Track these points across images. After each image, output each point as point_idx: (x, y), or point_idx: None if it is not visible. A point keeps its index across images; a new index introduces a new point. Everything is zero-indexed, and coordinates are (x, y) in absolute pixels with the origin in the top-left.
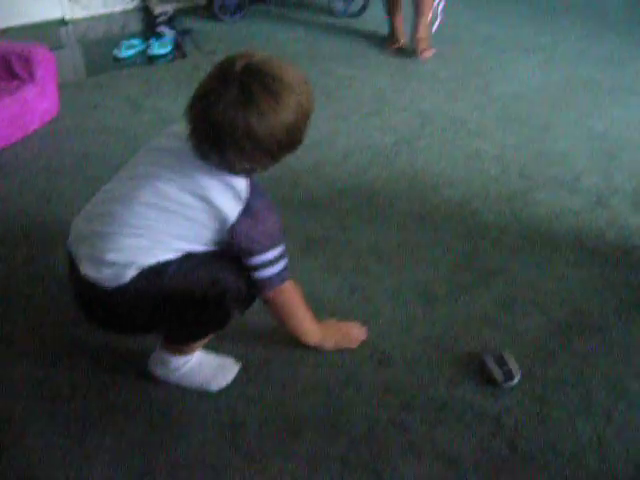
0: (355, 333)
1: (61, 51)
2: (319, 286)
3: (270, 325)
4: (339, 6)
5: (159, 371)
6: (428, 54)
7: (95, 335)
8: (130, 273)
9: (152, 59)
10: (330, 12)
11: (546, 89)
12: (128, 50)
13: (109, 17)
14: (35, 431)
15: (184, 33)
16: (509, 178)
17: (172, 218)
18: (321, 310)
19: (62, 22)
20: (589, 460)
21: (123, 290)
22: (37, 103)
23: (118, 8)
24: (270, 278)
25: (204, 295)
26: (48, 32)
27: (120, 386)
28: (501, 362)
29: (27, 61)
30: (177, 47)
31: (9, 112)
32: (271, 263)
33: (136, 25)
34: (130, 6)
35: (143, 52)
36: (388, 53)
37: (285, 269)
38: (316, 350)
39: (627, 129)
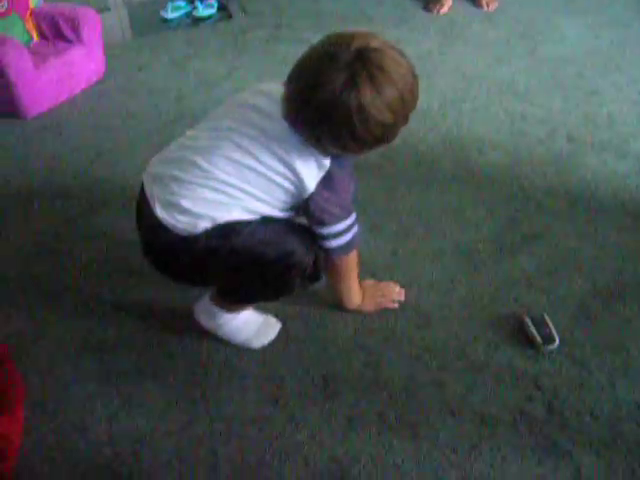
0: (394, 294)
1: (107, 13)
2: (361, 247)
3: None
4: None
5: (203, 319)
6: (494, 5)
7: (141, 291)
8: (203, 224)
9: (198, 20)
10: None
11: (595, 52)
12: (174, 11)
13: None
14: (80, 381)
15: None
16: (555, 141)
17: (251, 177)
18: (363, 271)
19: None
20: (627, 426)
21: (194, 239)
22: (84, 64)
23: None
24: (339, 248)
25: (273, 263)
26: None
27: (164, 340)
28: (541, 325)
29: (74, 23)
30: (222, 8)
31: (56, 73)
32: (340, 234)
33: None
34: None
35: (189, 13)
36: (435, 14)
37: (353, 239)
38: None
39: None
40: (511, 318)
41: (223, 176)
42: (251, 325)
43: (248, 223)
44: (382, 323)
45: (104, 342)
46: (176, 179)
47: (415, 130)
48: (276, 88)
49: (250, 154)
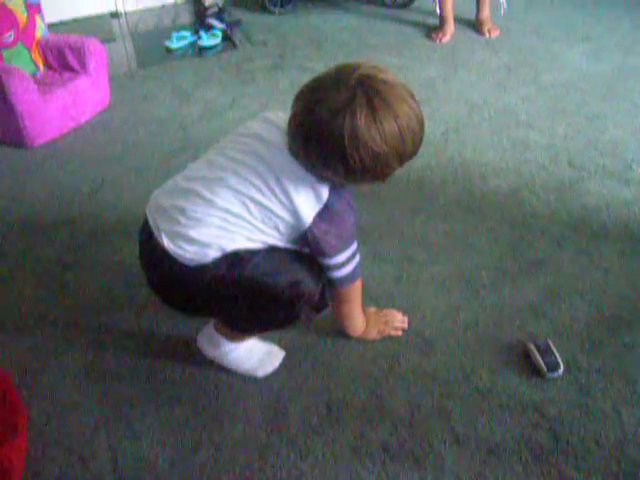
0: (397, 321)
1: (113, 43)
2: (364, 274)
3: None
4: None
5: (208, 349)
6: (496, 33)
7: (145, 319)
8: (212, 254)
9: (202, 50)
10: (380, 2)
11: (596, 78)
12: (179, 41)
13: (160, 9)
14: (83, 409)
15: (234, 25)
16: (558, 168)
17: (252, 207)
18: (366, 298)
19: (114, 15)
20: (633, 452)
21: (202, 270)
22: (89, 94)
23: (169, 0)
24: (342, 278)
25: (280, 293)
26: (100, 25)
27: (167, 368)
28: (546, 352)
29: (79, 53)
30: (227, 39)
31: (62, 102)
32: (343, 265)
33: (186, 17)
34: None
35: (193, 43)
36: (437, 43)
37: (356, 268)
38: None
39: None
40: (515, 345)
41: (226, 205)
42: (255, 354)
43: (256, 252)
44: (386, 351)
45: (108, 370)
46: (181, 210)
47: (418, 157)
48: (282, 117)
49: (252, 184)
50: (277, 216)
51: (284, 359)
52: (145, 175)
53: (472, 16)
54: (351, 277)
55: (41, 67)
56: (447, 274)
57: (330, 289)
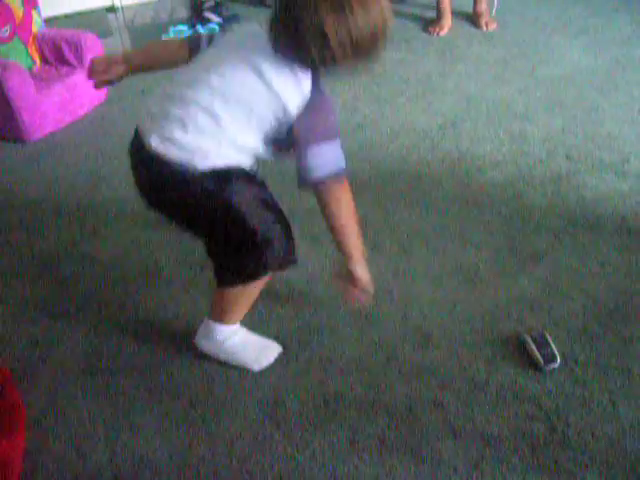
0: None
1: (110, 37)
2: None
3: (312, 307)
4: None
5: (204, 344)
6: (493, 26)
7: (143, 313)
8: (199, 163)
9: None
10: None
11: (594, 71)
12: (176, 35)
13: (156, 3)
14: (81, 404)
15: (230, 19)
16: (555, 161)
17: (235, 105)
18: None
19: (111, 9)
20: (629, 444)
21: (191, 179)
22: (86, 88)
23: None
24: (325, 170)
25: (252, 233)
26: (97, 19)
27: (165, 363)
28: (543, 344)
29: (76, 47)
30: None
31: (59, 97)
32: (326, 155)
33: (183, 11)
34: None
35: None
36: (434, 36)
37: (341, 168)
38: (359, 329)
39: None
40: (512, 337)
41: (210, 106)
42: (249, 347)
43: (241, 176)
44: (383, 344)
45: (106, 364)
46: (165, 113)
47: (415, 150)
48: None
49: (233, 80)
50: (259, 105)
51: (280, 354)
52: None
53: (469, 9)
54: (336, 171)
55: (38, 61)
56: (444, 267)
57: (324, 205)
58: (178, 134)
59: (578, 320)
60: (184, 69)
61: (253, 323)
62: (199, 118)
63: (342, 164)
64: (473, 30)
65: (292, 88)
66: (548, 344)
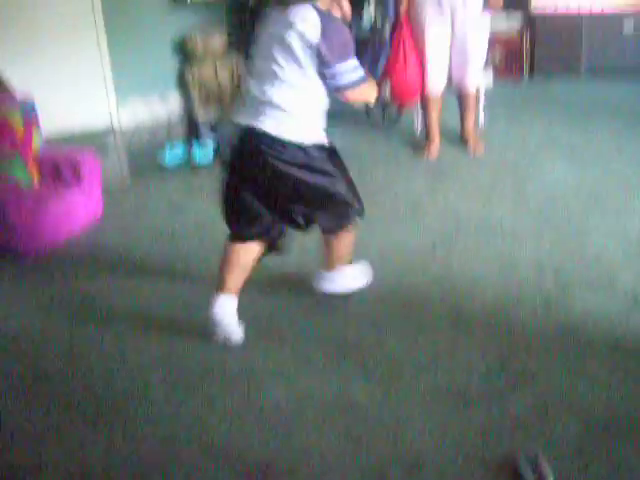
0: None
1: (107, 157)
2: (352, 390)
3: (302, 430)
4: (377, 115)
5: (323, 285)
6: (480, 150)
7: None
8: (291, 133)
9: (195, 164)
10: (368, 122)
11: (579, 189)
12: (172, 156)
13: (154, 124)
14: None
15: (225, 136)
16: (544, 280)
17: (286, 70)
18: (354, 417)
19: (109, 129)
20: None
21: (304, 151)
22: (82, 206)
23: (163, 115)
24: (352, 82)
25: (350, 188)
26: (95, 139)
27: None
28: (536, 465)
29: (74, 166)
30: (219, 153)
31: (56, 214)
32: (353, 70)
33: (179, 132)
34: (174, 113)
35: (186, 158)
36: (425, 158)
37: (363, 76)
38: (348, 454)
39: None
40: (505, 461)
41: (272, 98)
42: (354, 276)
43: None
44: (372, 468)
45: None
46: (255, 106)
47: (406, 271)
48: None
49: (278, 49)
50: (298, 54)
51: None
52: (134, 290)
53: (458, 128)
54: (358, 81)
55: (36, 178)
56: (435, 390)
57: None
58: (283, 118)
59: (570, 440)
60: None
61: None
62: (286, 103)
63: (362, 73)
64: (461, 150)
65: (310, 24)
66: (541, 465)
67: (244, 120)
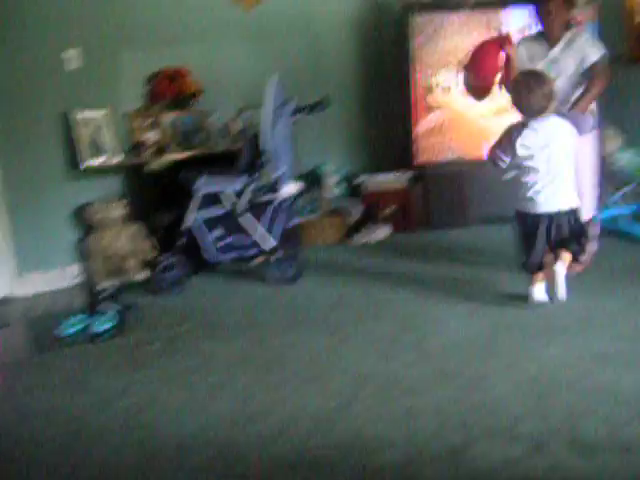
0: None
1: (1, 330)
2: None
3: None
4: (274, 274)
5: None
6: None
7: None
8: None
9: (95, 335)
10: (264, 280)
11: (477, 337)
12: (69, 329)
13: (52, 294)
14: None
15: (127, 308)
16: (448, 433)
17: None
18: None
19: (4, 300)
20: None
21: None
22: None
23: (62, 285)
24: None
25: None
26: None
27: None
28: None
29: None
30: (121, 322)
31: None
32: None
33: (79, 301)
34: (74, 282)
35: (86, 328)
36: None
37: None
38: None
39: (559, 369)
40: None
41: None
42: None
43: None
44: None
45: None
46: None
47: (308, 436)
48: None
49: None
50: None
51: None
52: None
53: None
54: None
55: None
56: None
57: None
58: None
59: None
60: None
61: None
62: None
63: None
64: (362, 305)
65: None
66: None
67: None
